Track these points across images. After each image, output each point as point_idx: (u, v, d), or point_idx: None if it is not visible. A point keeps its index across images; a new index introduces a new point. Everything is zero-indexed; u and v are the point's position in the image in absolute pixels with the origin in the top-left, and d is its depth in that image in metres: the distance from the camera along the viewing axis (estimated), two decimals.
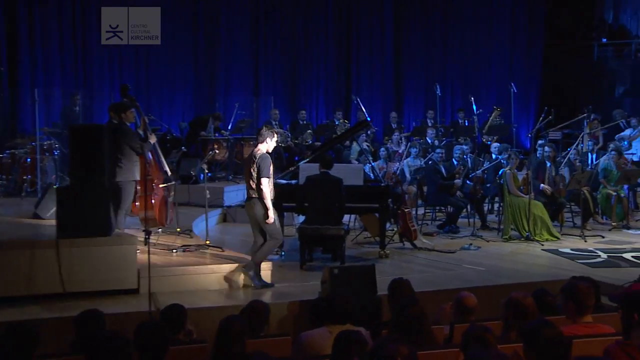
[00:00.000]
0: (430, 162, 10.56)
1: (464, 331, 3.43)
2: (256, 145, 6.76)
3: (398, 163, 11.16)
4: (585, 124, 12.62)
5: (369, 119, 11.28)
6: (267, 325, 4.69)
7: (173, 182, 8.14)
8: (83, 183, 6.33)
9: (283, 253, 8.00)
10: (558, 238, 9.10)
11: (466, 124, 14.50)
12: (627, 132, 13.15)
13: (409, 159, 11.17)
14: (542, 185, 9.73)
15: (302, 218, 8.15)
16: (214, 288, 6.55)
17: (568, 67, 17.34)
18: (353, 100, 13.69)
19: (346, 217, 9.09)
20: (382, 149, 11.65)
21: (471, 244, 8.78)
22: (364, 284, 5.90)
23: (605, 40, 17.73)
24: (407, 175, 10.93)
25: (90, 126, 8.46)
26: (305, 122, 13.79)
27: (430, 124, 14.18)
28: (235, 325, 3.86)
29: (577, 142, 11.72)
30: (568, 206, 10.31)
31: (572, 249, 8.54)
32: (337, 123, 13.75)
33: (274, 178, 6.87)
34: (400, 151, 12.02)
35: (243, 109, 12.77)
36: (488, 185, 10.44)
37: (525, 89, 16.86)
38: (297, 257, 7.60)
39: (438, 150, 10.32)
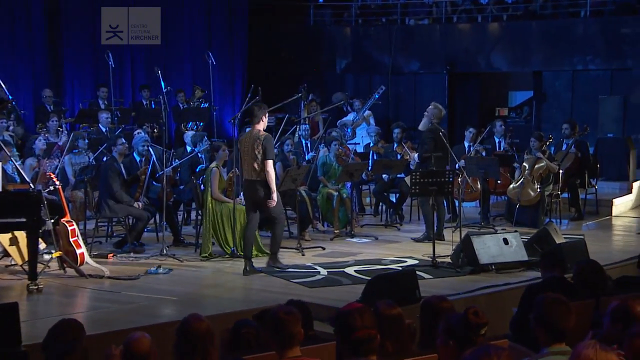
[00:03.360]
0: (105, 158, 10.59)
1: None
2: (253, 127, 8.60)
3: (57, 160, 11.01)
4: (302, 106, 13.54)
5: (10, 97, 10.97)
6: None
7: None
8: None
9: None
10: (268, 253, 9.65)
11: (152, 106, 14.71)
12: (350, 116, 14.39)
13: (70, 154, 11.08)
14: None
15: None
16: None
17: (280, 33, 18.43)
18: None
19: None
20: (39, 140, 11.38)
21: (160, 267, 8.96)
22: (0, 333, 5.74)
23: (322, 0, 19.12)
24: (70, 176, 10.86)
25: None
26: None
27: (103, 106, 14.14)
28: None
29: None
30: (283, 211, 10.98)
31: (287, 266, 9.12)
32: None
33: None
34: (60, 143, 11.91)
35: None
36: (182, 187, 10.70)
37: (227, 60, 17.58)
38: None
39: (121, 141, 10.29)
